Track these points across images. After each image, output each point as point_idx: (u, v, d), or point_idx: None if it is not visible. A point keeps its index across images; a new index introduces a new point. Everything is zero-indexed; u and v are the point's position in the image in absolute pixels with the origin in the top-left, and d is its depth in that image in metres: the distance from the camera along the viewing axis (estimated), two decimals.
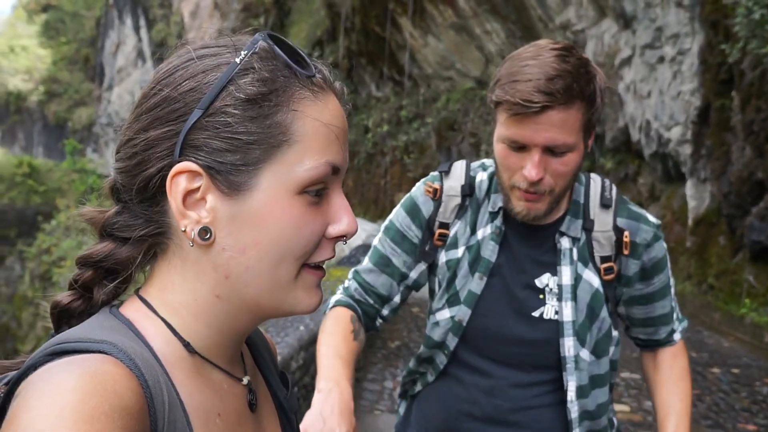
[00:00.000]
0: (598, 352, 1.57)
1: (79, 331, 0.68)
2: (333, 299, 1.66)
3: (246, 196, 0.70)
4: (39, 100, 50.65)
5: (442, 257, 1.63)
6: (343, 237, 0.76)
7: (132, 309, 0.74)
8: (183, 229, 0.70)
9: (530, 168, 1.41)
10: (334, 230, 0.74)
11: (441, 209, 1.62)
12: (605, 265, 1.56)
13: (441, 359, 1.64)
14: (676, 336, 1.69)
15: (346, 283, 1.69)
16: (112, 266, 0.74)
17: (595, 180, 1.63)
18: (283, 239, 0.71)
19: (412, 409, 1.77)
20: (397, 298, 1.66)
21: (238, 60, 0.70)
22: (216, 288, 0.73)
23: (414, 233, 1.63)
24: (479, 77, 18.28)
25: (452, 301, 1.60)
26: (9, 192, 34.99)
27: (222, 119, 0.68)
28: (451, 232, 1.63)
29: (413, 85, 20.89)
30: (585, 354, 1.56)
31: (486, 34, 17.01)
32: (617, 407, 5.30)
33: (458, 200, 1.62)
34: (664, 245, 1.61)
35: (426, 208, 1.63)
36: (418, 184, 1.68)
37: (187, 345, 0.73)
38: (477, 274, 1.57)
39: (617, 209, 1.58)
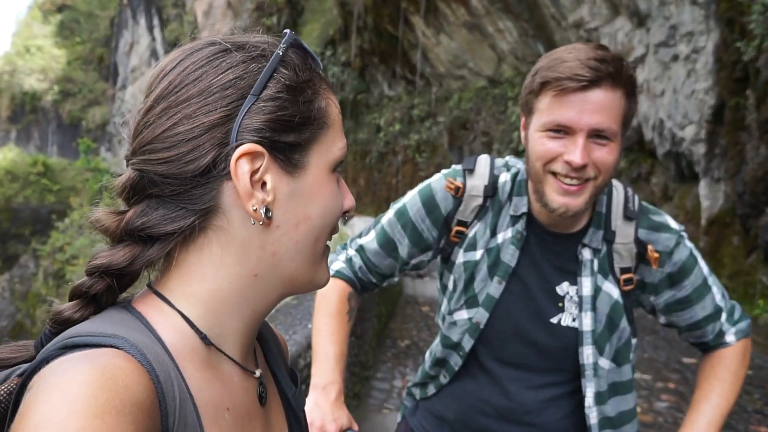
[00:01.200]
0: (618, 360, 1.58)
1: (90, 325, 0.68)
2: (334, 266, 1.69)
3: (302, 174, 0.75)
4: (54, 99, 50.99)
5: (460, 257, 1.62)
6: (348, 212, 0.84)
7: (144, 303, 0.74)
8: (253, 208, 0.72)
9: (575, 152, 1.37)
10: (345, 205, 0.83)
11: (461, 208, 1.60)
12: (625, 276, 1.55)
13: (456, 360, 1.64)
14: (729, 338, 1.62)
15: (347, 253, 1.71)
16: (131, 270, 0.72)
17: (618, 189, 1.60)
18: (327, 212, 0.79)
19: (417, 411, 1.76)
20: (396, 277, 1.73)
21: (280, 52, 0.75)
22: (257, 267, 0.75)
23: (426, 227, 1.62)
24: (491, 76, 18.22)
25: (470, 302, 1.60)
26: (24, 191, 35.27)
27: (276, 103, 0.73)
28: (470, 233, 1.61)
29: (425, 84, 20.86)
30: (604, 362, 1.56)
31: (499, 32, 16.95)
32: None
33: (480, 201, 1.59)
34: (689, 247, 1.57)
35: (445, 204, 1.60)
36: (439, 175, 1.65)
37: (204, 338, 0.74)
38: (496, 278, 1.57)
39: (639, 220, 1.55)
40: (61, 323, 0.71)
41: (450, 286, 1.66)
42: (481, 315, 1.58)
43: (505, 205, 1.59)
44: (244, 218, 0.73)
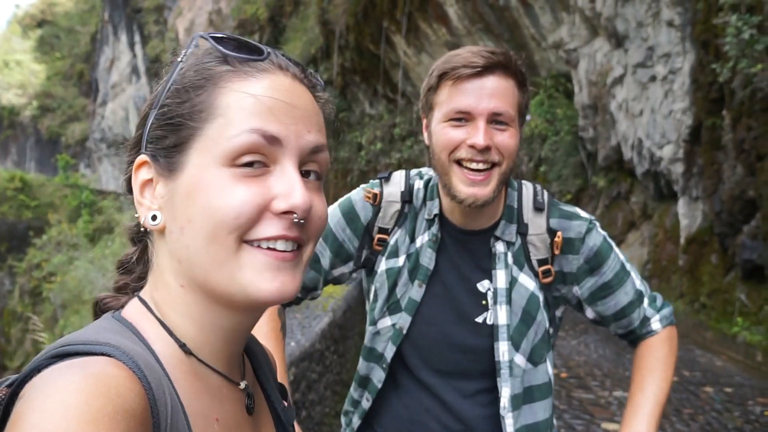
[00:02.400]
0: (534, 358, 1.56)
1: (82, 334, 0.69)
2: None
3: (179, 175, 0.72)
4: (32, 114, 50.59)
5: (382, 265, 1.62)
6: (291, 213, 0.71)
7: (133, 311, 0.75)
8: (142, 219, 0.74)
9: (478, 134, 1.42)
10: (278, 204, 0.71)
11: (380, 215, 1.62)
12: (543, 268, 1.57)
13: (379, 376, 1.62)
14: (654, 325, 1.63)
15: None
16: (134, 269, 0.82)
17: (527, 186, 1.64)
18: (210, 211, 0.69)
19: None
20: (319, 291, 1.69)
21: (179, 59, 0.75)
22: (178, 277, 0.74)
23: (347, 237, 1.63)
24: None
25: (393, 308, 1.61)
26: (1, 207, 34.81)
27: (162, 110, 0.74)
28: (391, 240, 1.63)
29: (407, 102, 20.98)
30: (520, 359, 1.54)
31: None
32: (611, 426, 5.28)
33: (398, 206, 1.62)
34: (602, 234, 1.60)
35: (365, 213, 1.63)
36: (357, 189, 1.68)
37: (182, 346, 0.74)
38: (416, 282, 1.58)
39: (549, 211, 1.59)
40: (101, 310, 0.80)
41: (372, 295, 1.66)
42: (404, 320, 1.58)
43: (421, 210, 1.62)
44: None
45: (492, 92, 1.43)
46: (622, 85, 12.27)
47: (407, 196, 1.62)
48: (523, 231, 1.57)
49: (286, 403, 0.92)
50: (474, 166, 1.44)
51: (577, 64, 13.68)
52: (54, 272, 24.15)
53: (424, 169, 1.68)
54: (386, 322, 1.61)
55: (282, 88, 0.74)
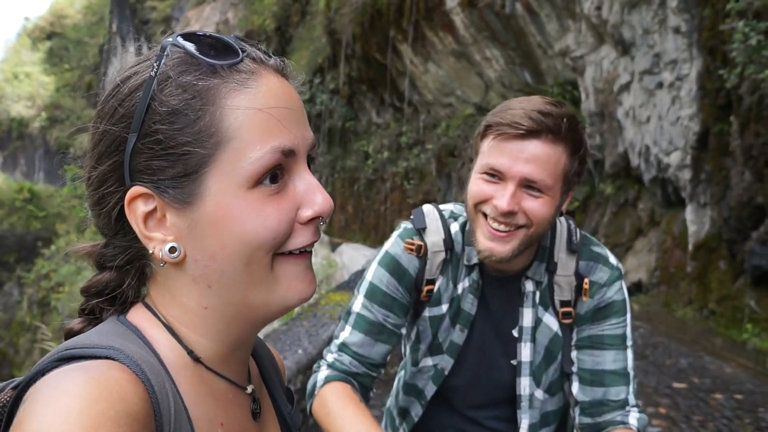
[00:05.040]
0: (552, 390, 1.59)
1: (87, 337, 0.68)
2: (321, 376, 1.53)
3: (198, 205, 0.69)
4: (41, 126, 50.91)
5: (426, 312, 1.62)
6: (319, 218, 0.72)
7: (138, 316, 0.75)
8: (151, 251, 0.71)
9: (503, 197, 1.38)
10: (305, 213, 0.71)
11: (427, 267, 1.58)
12: (564, 309, 1.55)
13: (417, 411, 1.66)
14: (632, 419, 1.49)
15: (332, 357, 1.56)
16: (112, 293, 0.76)
17: (561, 223, 1.60)
18: (246, 236, 0.68)
19: None
20: (389, 358, 1.61)
21: (153, 73, 0.69)
22: (202, 300, 0.72)
23: (402, 294, 1.57)
24: (479, 103, 18.39)
25: (434, 350, 1.62)
26: (9, 217, 35.01)
27: (154, 138, 0.68)
28: (435, 287, 1.60)
29: (413, 111, 21.01)
30: (539, 393, 1.57)
31: (486, 60, 17.15)
32: None
33: (443, 255, 1.59)
34: (625, 292, 1.56)
35: (412, 267, 1.57)
36: (393, 240, 1.61)
37: (191, 353, 0.73)
38: (458, 326, 1.58)
39: (580, 252, 1.56)
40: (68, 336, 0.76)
41: (414, 336, 1.66)
42: (446, 361, 1.60)
43: (462, 256, 1.59)
44: None
45: (530, 157, 1.37)
46: (628, 92, 12.24)
47: (450, 243, 1.59)
48: (552, 269, 1.55)
49: (292, 407, 0.92)
50: (495, 225, 1.41)
51: (584, 71, 13.67)
52: (62, 282, 24.24)
53: (451, 207, 1.66)
54: (428, 362, 1.63)
55: (278, 92, 0.71)
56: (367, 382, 1.57)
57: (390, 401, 1.78)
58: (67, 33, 57.19)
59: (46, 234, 33.21)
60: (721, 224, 9.56)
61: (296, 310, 9.25)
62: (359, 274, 11.59)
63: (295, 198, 0.71)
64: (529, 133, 1.36)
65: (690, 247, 10.74)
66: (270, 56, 0.75)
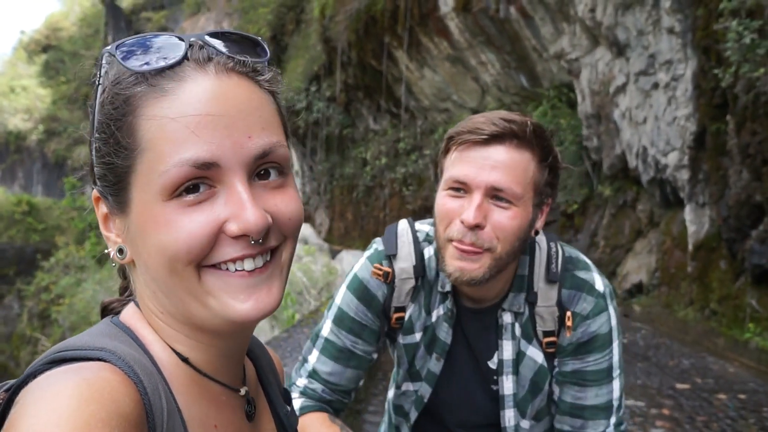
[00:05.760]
0: (539, 417, 1.56)
1: (79, 338, 0.69)
2: (295, 405, 1.50)
3: (128, 213, 0.70)
4: (38, 139, 50.91)
5: (400, 339, 1.58)
6: (247, 236, 0.67)
7: (130, 316, 0.76)
8: (107, 251, 0.75)
9: (468, 210, 1.30)
10: (230, 228, 0.67)
11: (395, 294, 1.52)
12: (547, 339, 1.48)
13: (406, 430, 1.66)
14: None
15: (303, 383, 1.54)
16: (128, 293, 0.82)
17: (541, 246, 1.50)
18: (162, 247, 0.67)
19: None
20: (362, 382, 1.59)
21: (97, 83, 0.71)
22: (158, 304, 0.73)
23: (371, 320, 1.52)
24: (476, 108, 18.41)
25: (414, 376, 1.59)
26: (8, 230, 34.98)
27: (96, 146, 0.71)
28: (406, 315, 1.54)
29: (410, 117, 21.03)
30: (525, 423, 1.54)
31: (481, 65, 17.19)
32: None
33: (412, 282, 1.52)
34: (612, 321, 1.46)
35: (380, 293, 1.52)
36: (362, 262, 1.55)
37: (178, 354, 0.73)
38: (434, 355, 1.54)
39: (562, 280, 1.46)
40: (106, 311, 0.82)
41: (395, 360, 1.65)
42: (424, 389, 1.58)
43: (435, 283, 1.53)
44: None
45: (496, 164, 1.29)
46: (624, 93, 12.27)
47: (421, 270, 1.51)
48: (532, 300, 1.47)
49: (289, 408, 0.92)
50: (461, 246, 1.33)
51: (579, 73, 13.70)
52: (62, 294, 24.21)
53: (428, 228, 1.57)
54: (409, 386, 1.61)
55: (204, 97, 0.66)
56: (339, 406, 1.56)
57: (385, 416, 1.77)
58: (62, 45, 57.29)
59: (46, 246, 33.19)
60: (720, 224, 9.56)
61: (297, 317, 9.21)
62: None
63: (221, 211, 0.67)
64: (493, 138, 1.30)
65: (690, 247, 10.74)
66: (233, 45, 0.72)
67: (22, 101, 52.82)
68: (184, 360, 0.73)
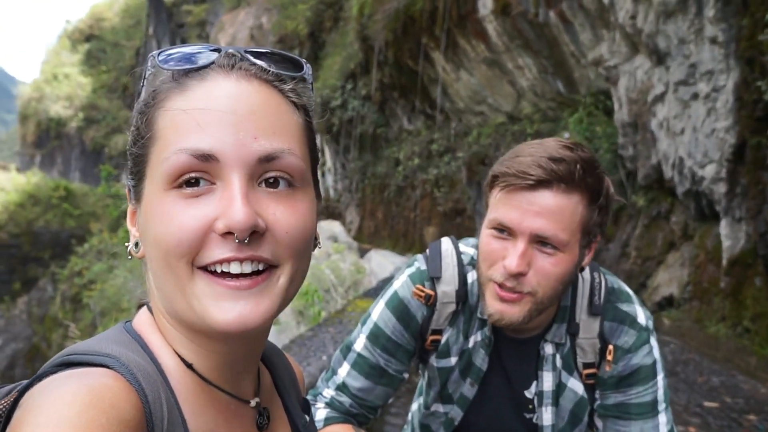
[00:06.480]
0: None
1: (88, 343, 0.69)
2: (320, 416, 1.49)
3: (141, 204, 0.72)
4: (78, 126, 51.93)
5: (433, 361, 1.55)
6: (231, 234, 0.66)
7: (142, 322, 0.76)
8: (128, 244, 0.76)
9: (512, 257, 1.26)
10: (218, 225, 0.66)
11: (435, 317, 1.50)
12: (587, 371, 1.46)
13: None
14: None
15: (330, 394, 1.53)
16: None
17: (584, 279, 1.47)
18: (158, 239, 0.67)
19: None
20: (391, 400, 1.59)
21: (142, 84, 0.75)
22: (160, 304, 0.74)
23: (406, 339, 1.50)
24: (510, 112, 18.29)
25: (445, 399, 1.57)
26: (45, 214, 35.69)
27: (129, 139, 0.74)
28: (443, 338, 1.52)
29: (445, 118, 20.96)
30: None
31: (518, 69, 17.06)
32: None
33: (453, 307, 1.49)
34: (655, 353, 1.45)
35: (420, 314, 1.49)
36: (404, 280, 1.52)
37: (182, 360, 0.73)
38: (469, 380, 1.52)
39: (604, 313, 1.44)
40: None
41: (425, 381, 1.62)
42: (455, 412, 1.56)
43: (476, 308, 1.50)
44: None
45: (541, 210, 1.24)
46: (663, 102, 12.07)
47: (463, 296, 1.48)
48: (573, 331, 1.44)
49: (308, 418, 0.91)
50: (502, 290, 1.31)
51: (617, 81, 13.51)
52: (94, 280, 24.64)
53: (472, 251, 1.53)
54: (439, 408, 1.59)
55: (218, 94, 0.67)
56: (364, 420, 1.55)
57: (407, 428, 1.75)
58: (105, 35, 58.35)
59: (80, 232, 33.84)
60: (756, 239, 9.35)
61: (323, 314, 9.22)
62: (387, 281, 11.57)
63: (214, 207, 0.66)
64: (539, 184, 1.25)
65: (724, 262, 10.52)
66: (265, 57, 0.72)
67: (64, 89, 53.94)
68: (189, 366, 0.73)
